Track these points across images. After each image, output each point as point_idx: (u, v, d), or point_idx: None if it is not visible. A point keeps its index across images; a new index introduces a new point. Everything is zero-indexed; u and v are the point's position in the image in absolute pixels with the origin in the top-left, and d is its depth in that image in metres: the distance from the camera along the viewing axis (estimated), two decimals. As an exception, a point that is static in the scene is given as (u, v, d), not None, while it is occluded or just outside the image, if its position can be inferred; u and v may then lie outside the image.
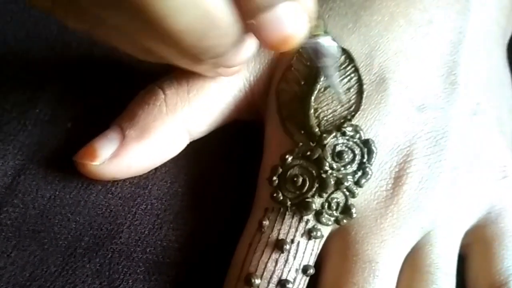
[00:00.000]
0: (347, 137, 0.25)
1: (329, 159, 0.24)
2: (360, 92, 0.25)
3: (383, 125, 0.25)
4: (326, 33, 0.21)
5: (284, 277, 0.24)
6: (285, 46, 0.19)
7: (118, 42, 0.22)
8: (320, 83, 0.25)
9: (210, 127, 0.27)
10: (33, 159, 0.27)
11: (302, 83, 0.26)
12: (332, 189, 0.24)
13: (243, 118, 0.28)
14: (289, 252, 0.24)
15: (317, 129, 0.25)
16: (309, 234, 0.24)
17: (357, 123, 0.25)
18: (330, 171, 0.24)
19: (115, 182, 0.26)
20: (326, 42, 0.21)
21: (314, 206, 0.24)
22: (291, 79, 0.26)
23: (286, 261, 0.24)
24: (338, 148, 0.25)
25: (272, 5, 0.18)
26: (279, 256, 0.24)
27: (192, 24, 0.18)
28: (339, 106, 0.25)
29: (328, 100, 0.25)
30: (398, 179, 0.25)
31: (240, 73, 0.26)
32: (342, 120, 0.25)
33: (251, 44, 0.21)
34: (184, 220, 0.26)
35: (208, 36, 0.19)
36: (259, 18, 0.19)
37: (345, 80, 0.25)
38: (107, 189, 0.26)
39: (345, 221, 0.24)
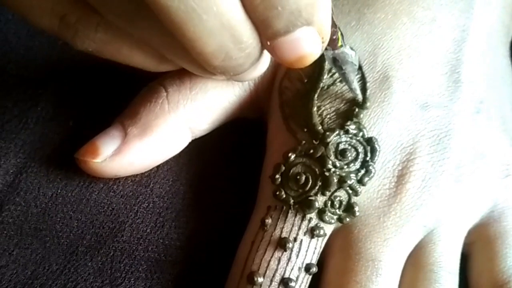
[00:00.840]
0: (350, 135, 0.25)
1: (332, 157, 0.24)
2: (363, 90, 0.25)
3: (387, 123, 0.25)
4: (343, 44, 0.22)
5: (287, 275, 0.24)
6: (300, 64, 0.21)
7: (130, 57, 0.23)
8: (323, 81, 0.25)
9: (213, 125, 0.27)
10: (35, 157, 0.27)
11: (305, 81, 0.26)
12: (335, 187, 0.24)
13: (245, 116, 0.28)
14: (292, 250, 0.24)
15: (320, 127, 0.25)
16: (312, 232, 0.24)
17: (360, 121, 0.25)
18: (333, 169, 0.24)
19: (117, 180, 0.26)
20: (344, 53, 0.23)
21: (317, 204, 0.24)
22: (294, 77, 0.26)
23: (289, 259, 0.24)
24: (341, 146, 0.24)
25: (289, 31, 0.20)
26: (281, 255, 0.24)
27: (221, 47, 0.19)
28: (342, 104, 0.25)
29: (331, 98, 0.25)
30: (401, 177, 0.25)
31: None
32: (345, 118, 0.25)
33: (265, 60, 0.23)
34: (186, 218, 0.26)
35: (233, 57, 0.20)
36: (277, 41, 0.20)
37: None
38: (109, 187, 0.26)
39: (348, 219, 0.24)
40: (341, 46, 0.23)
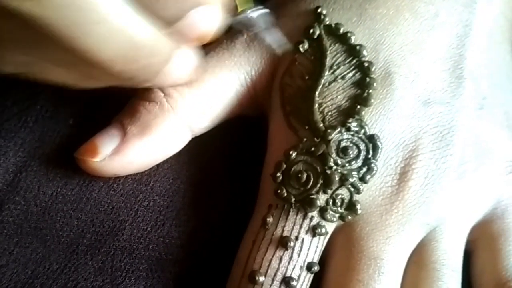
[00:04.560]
0: (352, 133, 0.24)
1: (333, 155, 0.24)
2: (366, 87, 0.25)
3: (389, 120, 0.25)
4: (244, 8, 0.22)
5: (288, 274, 0.24)
6: (204, 40, 0.21)
7: (55, 76, 0.22)
8: (325, 77, 0.25)
9: (212, 123, 0.27)
10: (35, 156, 0.26)
11: (307, 77, 0.25)
12: (336, 185, 0.24)
13: (246, 114, 0.28)
14: (293, 249, 0.24)
15: (321, 125, 0.25)
16: (314, 231, 0.24)
17: (362, 118, 0.24)
18: (334, 167, 0.24)
19: (117, 179, 0.26)
20: (246, 18, 0.22)
21: (318, 203, 0.24)
22: (295, 73, 0.26)
23: (291, 258, 0.24)
24: (343, 144, 0.24)
25: (180, 18, 0.19)
26: (283, 253, 0.24)
27: (119, 51, 0.19)
28: (343, 101, 0.25)
29: (332, 95, 0.25)
30: (403, 174, 0.24)
31: (241, 67, 0.26)
32: (347, 115, 0.25)
33: (183, 62, 0.22)
34: (187, 216, 0.26)
35: (137, 59, 0.19)
36: (175, 27, 0.20)
37: (350, 74, 0.25)
38: (109, 186, 0.26)
39: (350, 217, 0.24)
40: (242, 11, 0.22)
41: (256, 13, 0.22)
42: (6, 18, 0.17)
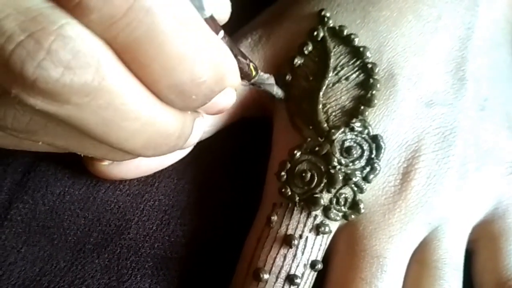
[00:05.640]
0: (355, 133, 0.25)
1: (337, 154, 0.24)
2: (370, 88, 0.25)
3: (392, 120, 0.25)
4: (257, 72, 0.23)
5: (292, 272, 0.24)
6: (222, 112, 0.22)
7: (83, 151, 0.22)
8: (329, 78, 0.25)
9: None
10: (43, 156, 0.27)
11: (311, 78, 0.26)
12: (340, 184, 0.24)
13: (250, 115, 0.28)
14: (297, 247, 0.24)
15: (325, 125, 0.25)
16: (317, 229, 0.24)
17: (365, 119, 0.25)
18: (338, 167, 0.24)
19: (123, 180, 0.27)
20: (259, 78, 0.24)
21: (322, 202, 0.24)
22: (299, 74, 0.26)
23: (295, 256, 0.24)
24: (347, 144, 0.25)
25: (206, 102, 0.20)
26: (287, 251, 0.24)
27: (149, 141, 0.19)
28: (347, 101, 0.25)
29: (336, 95, 0.25)
30: (406, 174, 0.25)
31: None
32: (350, 116, 0.25)
33: (197, 130, 0.23)
34: (191, 216, 0.26)
35: (166, 143, 0.20)
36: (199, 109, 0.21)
37: (354, 75, 0.25)
38: (116, 186, 0.26)
39: (353, 216, 0.24)
40: (255, 75, 0.23)
41: (265, 75, 0.24)
42: (43, 119, 0.18)
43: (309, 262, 0.24)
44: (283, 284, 0.24)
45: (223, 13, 0.22)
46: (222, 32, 0.20)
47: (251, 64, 0.23)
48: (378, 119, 0.25)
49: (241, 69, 0.22)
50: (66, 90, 0.16)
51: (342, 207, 0.24)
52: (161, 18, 0.17)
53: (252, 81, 0.23)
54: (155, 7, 0.17)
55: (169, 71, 0.18)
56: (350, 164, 0.24)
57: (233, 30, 0.28)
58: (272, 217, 0.24)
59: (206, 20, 0.19)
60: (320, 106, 0.25)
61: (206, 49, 0.18)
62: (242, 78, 0.22)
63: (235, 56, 0.21)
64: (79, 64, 0.16)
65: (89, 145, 0.20)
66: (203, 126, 0.23)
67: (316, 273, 0.24)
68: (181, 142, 0.21)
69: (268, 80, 0.24)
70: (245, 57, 0.22)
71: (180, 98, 0.19)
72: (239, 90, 0.27)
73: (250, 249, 0.25)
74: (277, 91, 0.25)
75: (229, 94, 0.21)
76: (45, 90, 0.16)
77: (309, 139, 0.25)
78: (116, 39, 0.17)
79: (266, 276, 0.24)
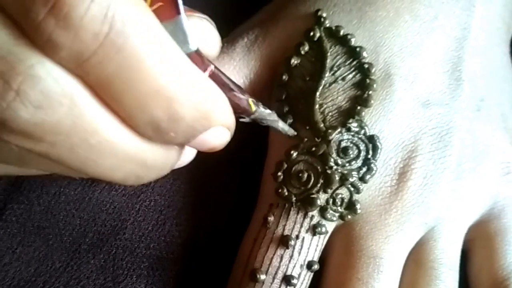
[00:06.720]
0: (352, 133, 0.25)
1: (334, 154, 0.24)
2: (366, 88, 0.25)
3: (388, 121, 0.25)
4: (256, 105, 0.22)
5: (289, 272, 0.24)
6: (214, 151, 0.21)
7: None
8: (325, 78, 0.25)
9: None
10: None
11: (307, 79, 0.26)
12: (337, 185, 0.24)
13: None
14: (294, 248, 0.24)
15: (322, 125, 0.25)
16: (314, 230, 0.24)
17: (362, 119, 0.25)
18: (335, 167, 0.24)
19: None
20: (259, 113, 0.22)
21: (319, 202, 0.24)
22: (296, 75, 0.26)
23: (291, 257, 0.24)
24: (343, 144, 0.25)
25: (190, 141, 0.19)
26: (284, 252, 0.24)
27: (130, 173, 0.19)
28: (344, 102, 0.25)
29: (333, 95, 0.25)
30: (402, 175, 0.25)
31: (240, 71, 0.26)
32: (347, 116, 0.25)
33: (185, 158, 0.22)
34: (187, 216, 0.26)
35: (145, 174, 0.20)
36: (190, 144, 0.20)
37: (350, 75, 0.25)
38: (111, 186, 0.26)
39: (349, 216, 0.25)
40: (255, 110, 0.22)
41: (264, 110, 0.23)
42: (23, 152, 0.17)
43: (306, 262, 0.24)
44: (280, 285, 0.24)
45: (211, 47, 0.22)
46: (211, 67, 0.19)
47: (249, 100, 0.21)
48: (374, 119, 0.25)
49: (237, 105, 0.20)
50: (38, 129, 0.16)
51: (339, 208, 0.24)
52: (133, 55, 0.16)
53: (252, 117, 0.22)
54: (127, 44, 0.16)
55: (143, 107, 0.17)
56: (347, 164, 0.24)
57: (229, 30, 0.28)
58: (269, 218, 0.24)
59: (191, 55, 0.18)
60: (317, 106, 0.25)
61: (184, 86, 0.17)
62: (240, 114, 0.21)
63: (231, 91, 0.20)
64: (50, 103, 0.16)
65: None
66: (194, 151, 0.23)
67: (312, 274, 0.24)
68: (166, 171, 0.20)
69: (270, 116, 0.23)
70: (243, 92, 0.21)
71: (158, 134, 0.18)
72: None
73: (246, 250, 0.24)
74: (283, 127, 0.24)
75: (220, 133, 0.20)
76: (17, 130, 0.16)
77: (305, 139, 0.25)
78: (88, 75, 0.16)
79: (262, 276, 0.24)
